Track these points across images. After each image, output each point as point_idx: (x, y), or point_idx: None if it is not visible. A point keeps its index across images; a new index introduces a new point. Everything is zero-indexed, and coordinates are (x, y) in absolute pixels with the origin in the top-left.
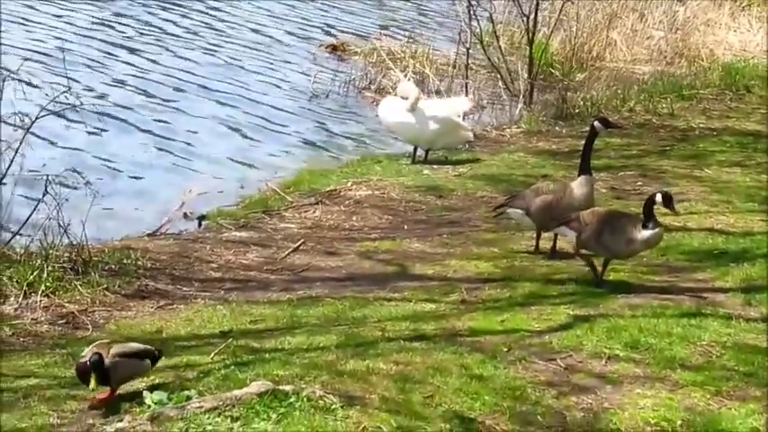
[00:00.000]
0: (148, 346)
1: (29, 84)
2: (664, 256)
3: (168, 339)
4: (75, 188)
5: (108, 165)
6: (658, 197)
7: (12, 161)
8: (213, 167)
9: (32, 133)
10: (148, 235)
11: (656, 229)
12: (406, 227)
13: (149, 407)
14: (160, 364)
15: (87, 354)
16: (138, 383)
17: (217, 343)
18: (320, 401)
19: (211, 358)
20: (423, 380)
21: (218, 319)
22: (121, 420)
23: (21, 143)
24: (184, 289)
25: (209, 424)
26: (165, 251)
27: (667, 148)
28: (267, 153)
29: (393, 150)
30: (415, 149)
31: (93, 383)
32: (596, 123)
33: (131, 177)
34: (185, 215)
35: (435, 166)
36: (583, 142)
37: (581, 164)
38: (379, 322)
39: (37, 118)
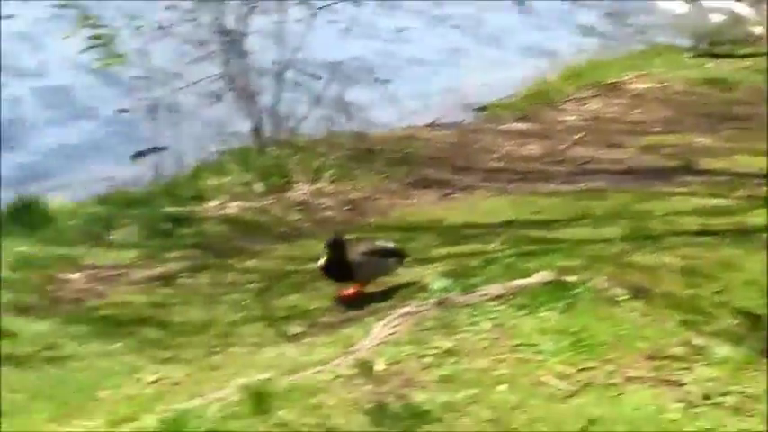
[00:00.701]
0: (394, 246)
1: None
2: None
3: (451, 228)
4: (359, 77)
5: (393, 54)
6: None
7: (297, 48)
8: (492, 57)
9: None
10: (429, 125)
11: None
12: (689, 121)
13: (435, 292)
14: (443, 251)
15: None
16: (423, 270)
17: (499, 233)
18: (605, 293)
19: (493, 248)
20: (711, 275)
21: (499, 209)
22: (408, 305)
23: (305, 31)
24: (465, 179)
25: (495, 311)
26: (446, 141)
27: None
28: (546, 43)
29: (674, 42)
30: (697, 42)
31: (324, 260)
32: None
33: (414, 66)
34: (465, 106)
35: (719, 60)
36: None
37: None
38: (664, 216)
39: (321, 8)
